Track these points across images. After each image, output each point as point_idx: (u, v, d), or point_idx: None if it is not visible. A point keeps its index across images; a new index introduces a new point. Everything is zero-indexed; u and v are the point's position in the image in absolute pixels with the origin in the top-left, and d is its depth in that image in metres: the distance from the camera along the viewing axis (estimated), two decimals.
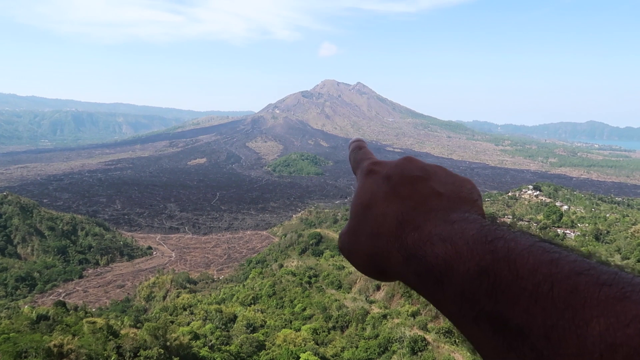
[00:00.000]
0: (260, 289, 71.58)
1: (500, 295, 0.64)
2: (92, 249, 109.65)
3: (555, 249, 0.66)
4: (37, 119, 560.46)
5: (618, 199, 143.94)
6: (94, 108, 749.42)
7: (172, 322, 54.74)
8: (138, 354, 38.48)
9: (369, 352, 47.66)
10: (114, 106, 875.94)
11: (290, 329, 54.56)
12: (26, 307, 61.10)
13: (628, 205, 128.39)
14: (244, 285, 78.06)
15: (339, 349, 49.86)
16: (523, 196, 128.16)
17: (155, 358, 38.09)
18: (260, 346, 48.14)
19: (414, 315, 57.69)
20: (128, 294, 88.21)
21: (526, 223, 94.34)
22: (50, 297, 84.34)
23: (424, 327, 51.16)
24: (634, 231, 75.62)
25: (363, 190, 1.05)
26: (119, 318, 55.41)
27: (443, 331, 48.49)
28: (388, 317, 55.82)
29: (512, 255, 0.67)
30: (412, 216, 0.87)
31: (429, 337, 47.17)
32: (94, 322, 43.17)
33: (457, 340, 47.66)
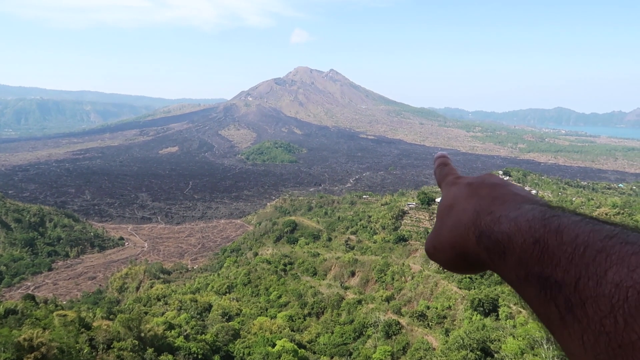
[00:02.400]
0: (235, 278, 71.42)
1: (547, 259, 0.78)
2: (61, 241, 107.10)
3: (600, 223, 0.79)
4: (0, 108, 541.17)
5: (583, 183, 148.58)
6: (60, 96, 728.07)
7: (146, 313, 54.17)
8: (112, 346, 37.95)
9: (344, 337, 48.25)
10: (82, 94, 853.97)
11: (266, 316, 54.69)
12: None
13: (593, 189, 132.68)
14: (218, 274, 77.74)
15: (315, 334, 50.30)
16: None
17: (129, 349, 37.65)
18: (236, 334, 48.16)
19: (388, 300, 58.61)
20: (100, 285, 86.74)
21: None
22: (19, 290, 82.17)
23: (398, 312, 52.03)
24: (599, 214, 78.03)
25: (447, 196, 1.21)
26: (91, 310, 54.46)
27: (416, 315, 49.44)
28: (363, 302, 56.50)
29: (561, 227, 0.81)
30: (488, 205, 1.04)
31: (403, 320, 48.02)
32: (64, 315, 42.29)
33: (429, 324, 48.72)
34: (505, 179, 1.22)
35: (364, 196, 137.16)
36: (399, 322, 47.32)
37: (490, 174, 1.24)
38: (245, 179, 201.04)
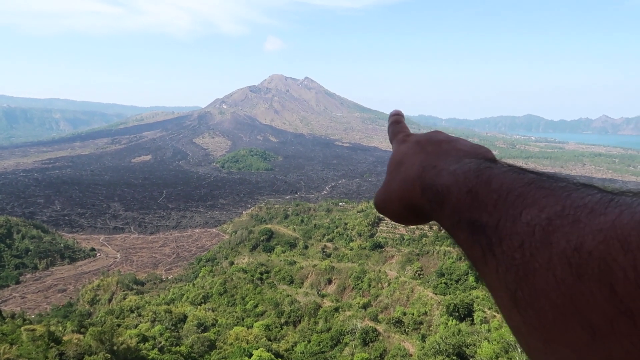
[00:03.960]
0: (210, 288, 70.49)
1: (476, 205, 0.85)
2: (29, 253, 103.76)
3: (524, 172, 0.86)
4: None
5: None
6: (28, 104, 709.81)
7: (118, 325, 52.81)
8: None
9: (321, 346, 48.05)
10: (50, 101, 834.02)
11: (242, 326, 54.04)
12: None
13: None
14: (193, 284, 76.58)
15: (292, 343, 49.94)
16: None
17: None
18: (212, 345, 47.41)
19: (365, 306, 58.73)
20: (70, 298, 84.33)
21: None
22: None
23: (375, 319, 52.14)
24: None
25: (397, 153, 1.25)
26: (61, 324, 52.79)
27: (393, 321, 49.64)
28: (340, 310, 56.43)
29: (491, 177, 0.87)
30: (433, 160, 1.08)
31: (380, 327, 48.12)
32: (33, 330, 40.90)
33: (406, 330, 48.93)
34: (449, 135, 1.26)
35: (340, 203, 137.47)
36: (376, 329, 47.41)
37: (437, 131, 1.28)
38: (220, 187, 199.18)
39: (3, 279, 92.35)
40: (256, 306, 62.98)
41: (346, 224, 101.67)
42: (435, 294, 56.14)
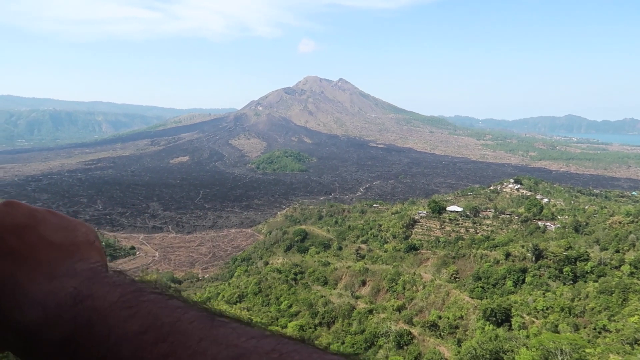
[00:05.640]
0: (245, 287, 71.40)
1: None
2: None
3: (136, 301, 0.69)
4: (14, 119, 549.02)
5: (596, 191, 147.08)
6: (72, 107, 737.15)
7: None
8: None
9: (355, 347, 47.97)
10: (93, 105, 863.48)
11: (277, 326, 54.52)
12: None
13: (606, 197, 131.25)
14: (229, 284, 77.76)
15: (325, 344, 49.85)
16: (504, 190, 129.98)
17: None
18: None
19: (399, 309, 58.21)
20: None
21: (508, 216, 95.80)
22: None
23: (410, 321, 51.65)
24: (612, 222, 77.29)
25: None
26: None
27: (428, 325, 49.06)
28: (374, 312, 56.17)
29: (93, 318, 0.67)
30: (14, 273, 0.78)
31: (415, 331, 47.66)
32: None
33: (441, 334, 48.30)
34: (30, 205, 0.94)
35: (374, 205, 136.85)
36: (410, 332, 46.98)
37: (10, 202, 0.92)
38: (255, 188, 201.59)
39: None
40: (290, 306, 63.37)
41: (380, 225, 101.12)
42: (472, 297, 55.17)
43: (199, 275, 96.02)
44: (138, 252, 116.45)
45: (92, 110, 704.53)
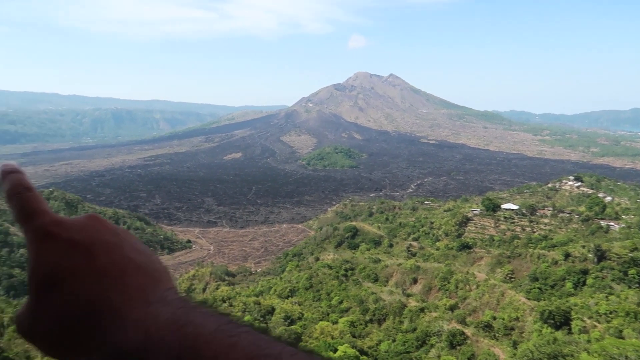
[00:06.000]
0: (297, 282, 72.42)
1: None
2: None
3: (236, 330, 0.77)
4: (79, 117, 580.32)
5: None
6: (132, 105, 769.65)
7: None
8: None
9: (406, 346, 47.68)
10: (151, 103, 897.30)
11: (328, 321, 55.02)
12: None
13: None
14: (281, 278, 79.10)
15: (376, 341, 50.03)
16: (563, 187, 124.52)
17: None
18: (298, 338, 48.80)
19: (452, 308, 57.28)
20: None
21: (567, 215, 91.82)
22: None
23: (463, 321, 50.75)
24: None
25: (42, 259, 0.89)
26: None
27: (482, 325, 48.04)
28: (425, 310, 55.60)
29: (198, 342, 0.73)
30: (109, 295, 0.82)
31: (468, 331, 46.78)
32: None
33: (496, 335, 47.15)
34: (110, 222, 0.99)
35: (426, 202, 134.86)
36: (463, 332, 46.16)
37: (95, 217, 0.99)
38: (306, 184, 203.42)
39: None
40: (341, 302, 63.73)
41: (432, 223, 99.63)
42: (528, 299, 53.48)
43: (252, 269, 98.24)
44: (194, 246, 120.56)
45: (150, 109, 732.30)
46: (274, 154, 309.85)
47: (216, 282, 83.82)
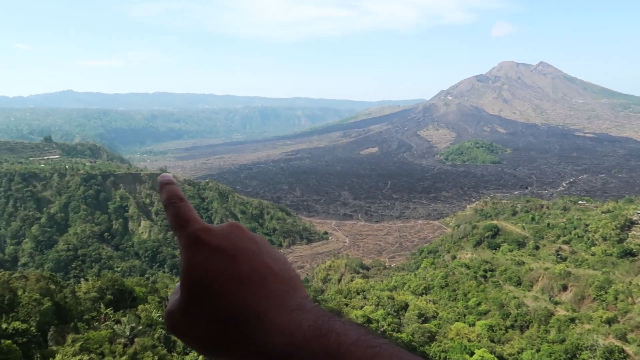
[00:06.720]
0: (432, 280, 70.75)
1: None
2: (276, 232, 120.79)
3: (376, 341, 0.79)
4: (231, 115, 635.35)
5: None
6: (276, 103, 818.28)
7: (346, 304, 57.38)
8: None
9: (553, 357, 43.60)
10: (294, 100, 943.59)
11: (464, 322, 52.79)
12: None
13: None
14: (415, 275, 77.98)
15: (517, 349, 46.63)
16: None
17: None
18: (432, 337, 47.60)
19: (609, 322, 51.01)
20: (307, 274, 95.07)
21: None
22: None
23: (623, 337, 44.87)
24: None
25: (193, 264, 1.00)
26: None
27: None
28: (577, 321, 50.37)
29: (341, 350, 0.77)
30: (253, 302, 0.90)
31: (630, 349, 41.22)
32: None
33: None
34: (252, 233, 1.06)
35: (580, 202, 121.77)
36: (623, 349, 40.80)
37: (236, 225, 1.07)
38: (443, 180, 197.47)
39: None
40: (479, 304, 60.74)
41: (587, 225, 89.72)
42: None
43: (386, 264, 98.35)
44: (330, 237, 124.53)
45: (292, 106, 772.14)
46: (410, 149, 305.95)
47: (351, 274, 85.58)
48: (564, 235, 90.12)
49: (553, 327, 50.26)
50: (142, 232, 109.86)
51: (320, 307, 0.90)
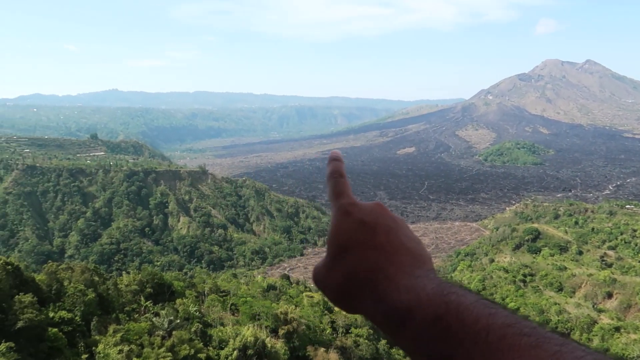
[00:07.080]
0: (469, 283, 69.37)
1: (450, 338, 0.84)
2: (311, 230, 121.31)
3: (492, 305, 0.88)
4: (268, 114, 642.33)
5: None
6: (313, 102, 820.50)
7: None
8: (349, 331, 41.26)
9: None
10: (330, 99, 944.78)
11: None
12: (259, 276, 71.01)
13: None
14: (451, 277, 76.67)
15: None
16: None
17: (364, 337, 40.34)
18: None
19: None
20: None
21: None
22: (277, 269, 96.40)
23: None
24: None
25: (340, 230, 1.19)
26: None
27: None
28: (622, 330, 48.33)
29: (461, 307, 0.87)
30: (384, 266, 1.04)
31: None
32: (312, 297, 47.84)
33: None
34: (393, 214, 1.20)
35: (628, 206, 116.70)
36: None
37: (380, 205, 1.22)
38: (482, 181, 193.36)
39: (292, 250, 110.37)
40: (517, 309, 59.11)
41: (635, 230, 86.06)
42: None
43: None
44: None
45: (329, 105, 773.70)
46: (448, 149, 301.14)
47: None
48: (610, 241, 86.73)
49: (596, 335, 48.43)
50: (181, 228, 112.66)
51: (444, 278, 0.99)
